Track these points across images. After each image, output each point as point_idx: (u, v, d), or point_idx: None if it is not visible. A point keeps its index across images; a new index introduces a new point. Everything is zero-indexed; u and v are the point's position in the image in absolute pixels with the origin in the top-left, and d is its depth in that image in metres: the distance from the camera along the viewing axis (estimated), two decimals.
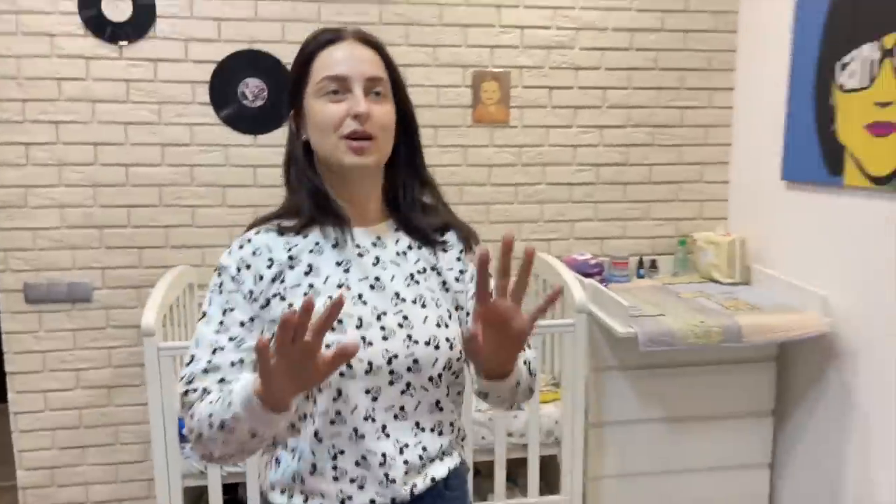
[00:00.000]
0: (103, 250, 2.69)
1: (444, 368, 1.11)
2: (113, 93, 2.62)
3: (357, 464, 1.08)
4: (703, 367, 2.56)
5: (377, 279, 1.12)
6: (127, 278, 2.72)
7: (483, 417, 2.37)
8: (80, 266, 2.69)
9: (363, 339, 1.07)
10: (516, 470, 2.62)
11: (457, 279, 1.20)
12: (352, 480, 1.08)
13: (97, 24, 2.56)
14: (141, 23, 2.59)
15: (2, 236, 2.62)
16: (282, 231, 1.14)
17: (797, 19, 2.55)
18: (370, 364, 1.07)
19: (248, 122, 2.71)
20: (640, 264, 2.96)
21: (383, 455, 1.08)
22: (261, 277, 1.10)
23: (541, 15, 2.84)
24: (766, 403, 2.65)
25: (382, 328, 1.09)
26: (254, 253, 1.12)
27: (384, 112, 1.11)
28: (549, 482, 2.64)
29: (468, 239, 1.24)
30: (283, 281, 1.10)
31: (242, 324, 1.09)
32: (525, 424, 2.35)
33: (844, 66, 2.32)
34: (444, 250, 1.20)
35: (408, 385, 1.09)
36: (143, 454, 2.79)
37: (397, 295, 1.12)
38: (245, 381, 0.98)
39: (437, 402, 1.13)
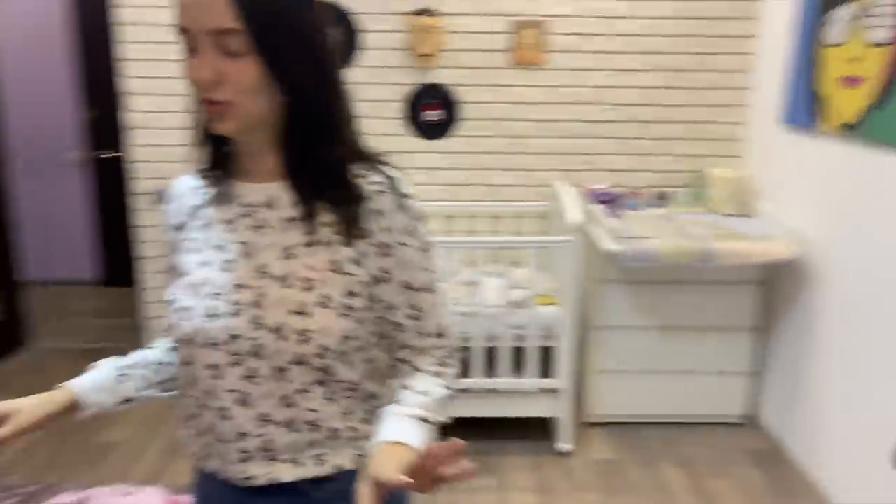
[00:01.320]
0: None
1: (294, 363, 0.96)
2: None
3: (200, 434, 1.05)
4: (694, 285, 2.98)
5: (252, 245, 0.99)
6: None
7: (491, 312, 2.92)
8: None
9: (211, 309, 0.98)
10: (522, 359, 3.16)
11: (356, 262, 0.99)
12: (201, 445, 1.06)
13: None
14: None
15: (138, 150, 3.38)
16: (202, 175, 1.06)
17: None
18: (213, 339, 0.97)
19: None
20: (659, 196, 3.35)
21: (220, 434, 1.01)
22: (177, 227, 1.08)
23: None
24: (749, 320, 3.03)
25: (235, 303, 0.97)
26: (172, 197, 1.11)
27: (237, 71, 0.90)
28: (549, 372, 3.17)
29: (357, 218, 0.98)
30: (185, 231, 1.06)
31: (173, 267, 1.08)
32: (528, 320, 2.89)
33: (829, 23, 2.58)
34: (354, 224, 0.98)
35: (253, 371, 0.97)
36: None
37: (264, 267, 0.98)
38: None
39: (286, 398, 0.98)
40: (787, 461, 2.91)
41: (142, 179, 3.41)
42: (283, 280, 0.97)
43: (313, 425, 1.00)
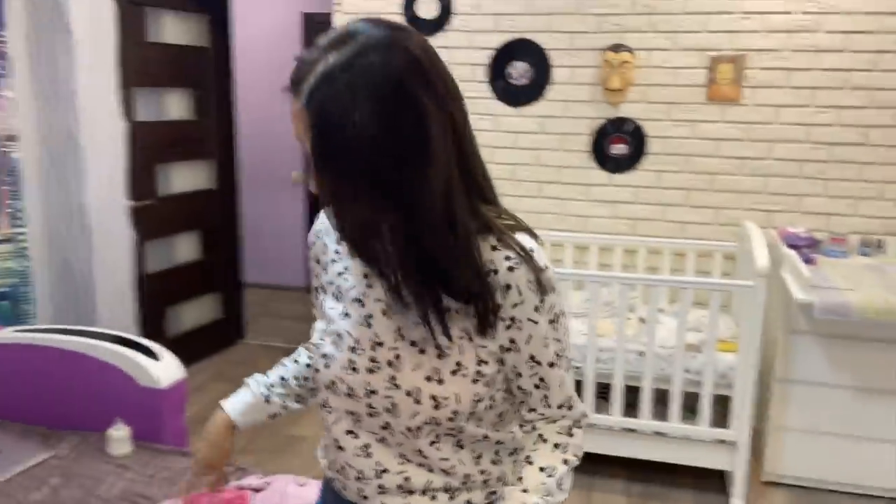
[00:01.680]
0: None
1: (425, 423, 0.99)
2: None
3: (339, 470, 1.10)
4: None
5: (389, 305, 1.00)
6: None
7: (664, 352, 2.83)
8: None
9: (351, 363, 1.01)
10: (695, 404, 3.02)
11: (485, 331, 0.98)
12: (336, 474, 1.12)
13: (410, 21, 3.47)
14: (441, 19, 3.43)
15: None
16: None
17: None
18: (350, 390, 1.02)
19: (513, 96, 3.41)
20: (866, 243, 3.05)
21: (360, 472, 1.05)
22: (317, 260, 1.13)
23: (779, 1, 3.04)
24: None
25: (373, 360, 1.00)
26: (317, 232, 1.13)
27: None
28: (724, 422, 3.00)
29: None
30: (327, 273, 1.10)
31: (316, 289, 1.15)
32: (702, 364, 2.76)
33: None
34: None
35: (387, 423, 1.02)
36: None
37: (400, 329, 0.99)
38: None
39: (421, 451, 1.02)
40: None
41: None
42: (418, 344, 0.98)
43: (446, 472, 1.04)
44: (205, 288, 4.26)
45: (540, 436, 1.06)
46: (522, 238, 0.99)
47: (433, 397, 0.97)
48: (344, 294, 1.05)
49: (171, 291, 3.98)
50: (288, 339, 4.52)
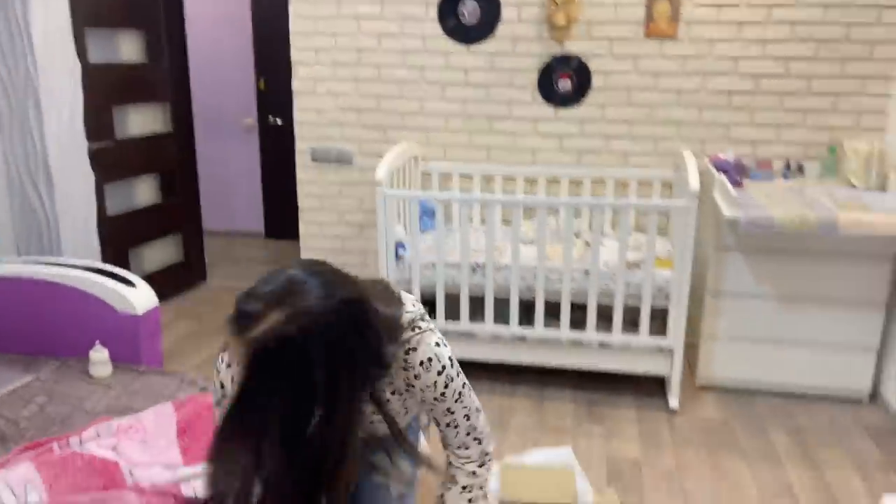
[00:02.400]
0: (360, 127, 3.80)
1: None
2: (369, 12, 3.62)
3: None
4: (821, 257, 2.97)
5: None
6: (375, 148, 3.80)
7: (607, 271, 3.08)
8: (346, 137, 3.82)
9: None
10: (635, 317, 3.30)
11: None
12: None
13: None
14: None
15: (299, 113, 3.84)
16: None
17: None
18: None
19: (464, 34, 3.55)
20: (787, 167, 3.33)
21: None
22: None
23: None
24: (880, 296, 2.98)
25: None
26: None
27: None
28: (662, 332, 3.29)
29: None
30: None
31: None
32: (642, 280, 3.02)
33: None
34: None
35: None
36: (378, 275, 3.96)
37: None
38: None
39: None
40: None
41: (303, 140, 3.87)
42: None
43: None
44: (166, 230, 4.34)
45: (457, 465, 1.58)
46: (412, 341, 1.42)
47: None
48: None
49: (132, 233, 4.06)
50: (250, 282, 4.63)
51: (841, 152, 3.28)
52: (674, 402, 3.08)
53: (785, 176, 3.33)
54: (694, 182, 2.87)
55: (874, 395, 3.16)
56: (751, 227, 2.79)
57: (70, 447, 1.95)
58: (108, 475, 1.83)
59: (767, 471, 2.68)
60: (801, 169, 3.34)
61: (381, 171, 3.11)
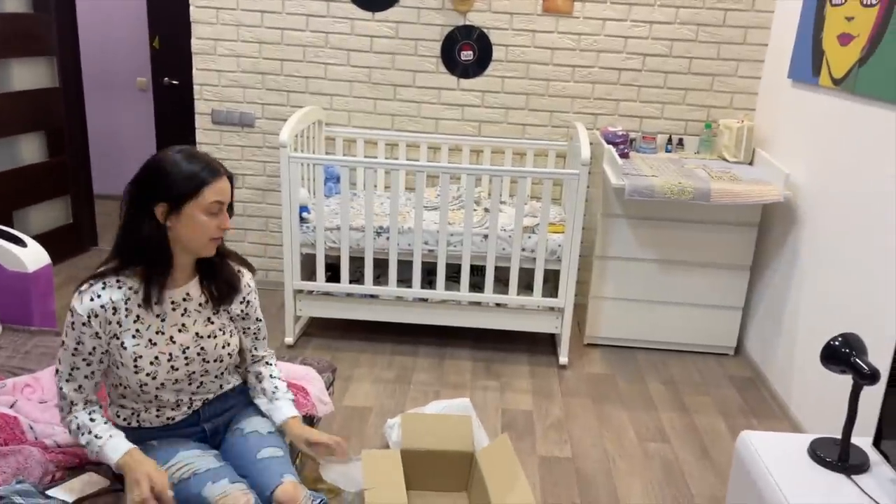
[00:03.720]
0: (264, 90, 3.77)
1: (226, 369, 1.82)
2: None
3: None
4: (696, 224, 3.26)
5: (183, 325, 1.70)
6: (278, 112, 3.79)
7: (505, 235, 3.25)
8: (249, 100, 3.79)
9: (173, 367, 1.68)
10: (529, 280, 3.50)
11: (239, 313, 1.82)
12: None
13: None
14: None
15: (198, 74, 3.76)
16: (120, 286, 1.64)
17: None
18: (177, 381, 1.70)
19: (369, 1, 3.59)
20: (669, 141, 3.60)
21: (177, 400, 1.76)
22: (108, 322, 1.62)
23: None
24: (746, 259, 3.31)
25: (186, 358, 1.70)
26: (102, 307, 1.61)
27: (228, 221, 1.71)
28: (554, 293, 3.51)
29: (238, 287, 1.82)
30: (119, 324, 1.63)
31: (90, 352, 1.63)
32: (535, 244, 3.21)
33: None
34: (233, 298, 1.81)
35: (201, 383, 1.77)
36: (281, 239, 3.97)
37: (197, 334, 1.72)
38: (111, 453, 1.60)
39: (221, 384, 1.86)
40: (765, 387, 3.21)
41: (203, 102, 3.80)
42: (211, 336, 1.76)
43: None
44: (53, 191, 4.15)
45: (266, 363, 1.95)
46: (245, 268, 1.89)
47: (230, 354, 1.79)
48: (143, 331, 1.66)
49: (17, 193, 3.86)
50: None
51: (716, 129, 3.57)
52: (563, 358, 3.31)
53: (667, 149, 3.60)
54: (585, 153, 3.06)
55: (738, 349, 3.51)
56: (634, 195, 3.02)
57: None
58: (7, 429, 1.81)
59: (644, 416, 2.94)
60: (681, 143, 3.62)
61: (285, 134, 3.13)
